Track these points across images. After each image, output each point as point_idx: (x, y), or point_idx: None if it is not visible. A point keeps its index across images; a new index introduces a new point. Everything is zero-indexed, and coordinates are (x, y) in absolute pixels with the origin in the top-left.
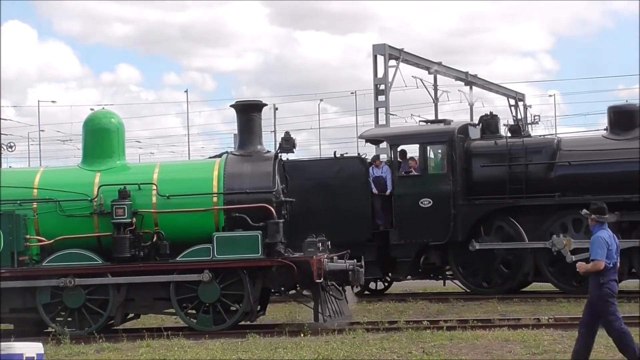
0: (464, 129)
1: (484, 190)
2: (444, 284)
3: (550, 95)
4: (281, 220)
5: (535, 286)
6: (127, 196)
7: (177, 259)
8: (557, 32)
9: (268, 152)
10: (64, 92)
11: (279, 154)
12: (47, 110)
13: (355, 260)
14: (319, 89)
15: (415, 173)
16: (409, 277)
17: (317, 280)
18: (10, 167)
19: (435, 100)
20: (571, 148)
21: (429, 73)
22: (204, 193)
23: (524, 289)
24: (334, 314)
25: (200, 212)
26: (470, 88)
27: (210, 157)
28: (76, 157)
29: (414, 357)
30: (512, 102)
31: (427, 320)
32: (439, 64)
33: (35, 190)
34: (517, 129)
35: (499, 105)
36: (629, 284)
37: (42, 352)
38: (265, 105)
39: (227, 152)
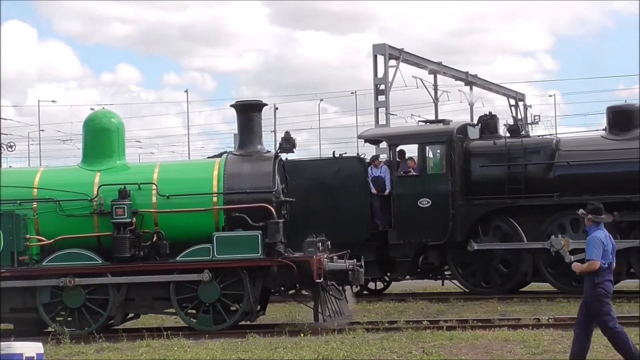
0: (463, 129)
1: (482, 190)
2: (443, 284)
3: (550, 95)
4: (281, 220)
5: (534, 286)
6: (127, 196)
7: (177, 258)
8: (557, 32)
9: (268, 152)
10: (64, 92)
11: (279, 154)
12: (47, 110)
13: (355, 260)
14: (319, 89)
15: (414, 173)
16: (407, 277)
17: (317, 280)
18: (10, 166)
19: (436, 100)
20: (570, 148)
21: (429, 73)
22: (204, 193)
23: (523, 289)
24: (334, 314)
25: (200, 212)
26: (471, 88)
27: (209, 157)
28: (76, 157)
29: (414, 357)
30: (512, 102)
31: (427, 320)
32: (439, 64)
33: (35, 190)
34: (516, 129)
35: (499, 105)
36: (629, 284)
37: (42, 352)
38: (266, 105)
39: (226, 152)
